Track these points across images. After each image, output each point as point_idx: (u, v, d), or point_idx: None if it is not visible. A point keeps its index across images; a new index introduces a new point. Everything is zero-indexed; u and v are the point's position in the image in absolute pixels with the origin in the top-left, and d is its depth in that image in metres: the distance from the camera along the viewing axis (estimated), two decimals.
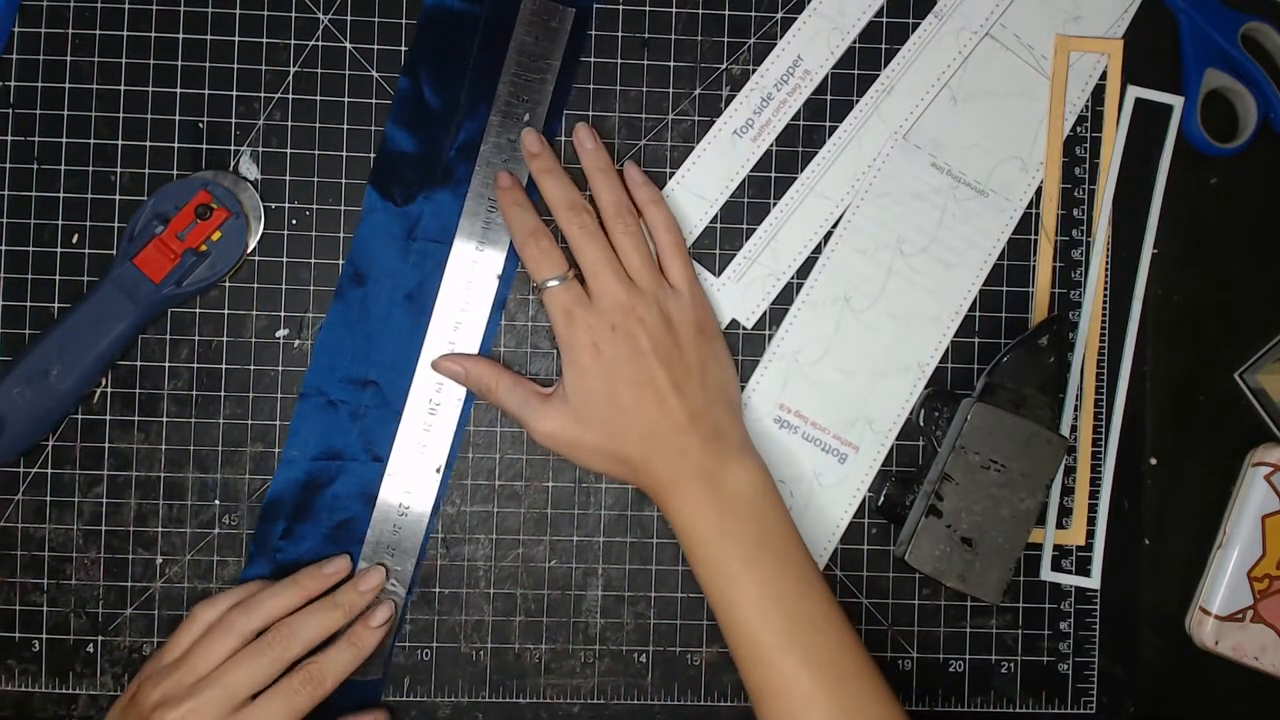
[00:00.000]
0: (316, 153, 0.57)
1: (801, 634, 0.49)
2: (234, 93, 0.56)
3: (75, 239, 0.56)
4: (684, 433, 0.52)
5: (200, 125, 0.56)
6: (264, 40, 0.56)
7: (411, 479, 0.56)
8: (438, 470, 0.56)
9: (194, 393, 0.56)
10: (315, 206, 0.57)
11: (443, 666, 0.57)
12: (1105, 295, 0.58)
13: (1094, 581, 0.58)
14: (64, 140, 0.56)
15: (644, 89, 0.57)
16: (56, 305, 0.56)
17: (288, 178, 0.56)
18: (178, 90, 0.56)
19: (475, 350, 0.56)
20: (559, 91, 0.56)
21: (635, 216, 0.55)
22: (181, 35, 0.56)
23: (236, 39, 0.56)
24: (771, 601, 0.50)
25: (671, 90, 0.58)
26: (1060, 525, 0.58)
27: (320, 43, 0.57)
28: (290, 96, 0.56)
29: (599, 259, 0.53)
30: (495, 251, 0.56)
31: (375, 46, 0.57)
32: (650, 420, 0.52)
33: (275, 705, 0.50)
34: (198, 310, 0.56)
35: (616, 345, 0.52)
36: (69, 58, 0.56)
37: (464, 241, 0.56)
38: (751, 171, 0.58)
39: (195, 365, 0.56)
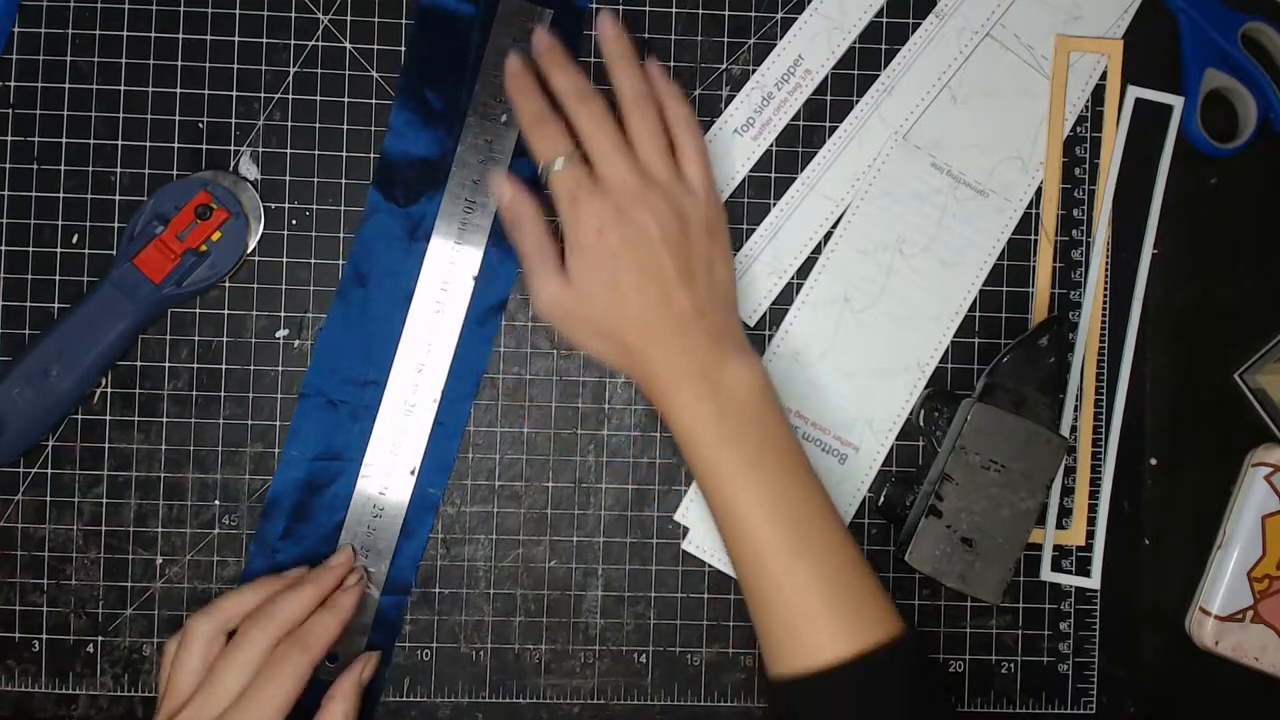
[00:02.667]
0: (316, 153, 0.57)
1: (805, 533, 0.48)
2: (234, 93, 0.56)
3: (75, 239, 0.56)
4: (686, 328, 0.50)
5: (200, 125, 0.56)
6: (264, 40, 0.56)
7: (386, 480, 0.56)
8: (412, 472, 0.56)
9: (194, 393, 0.56)
10: (315, 206, 0.57)
11: (443, 666, 0.57)
12: (1105, 295, 0.58)
13: (1094, 581, 0.58)
14: (64, 140, 0.56)
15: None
16: (56, 305, 0.56)
17: (288, 178, 0.56)
18: (178, 90, 0.56)
19: (451, 349, 0.56)
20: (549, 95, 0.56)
21: (655, 107, 0.53)
22: (181, 35, 0.56)
23: (236, 39, 0.56)
24: (774, 502, 0.48)
25: None
26: (1060, 525, 0.58)
27: (320, 43, 0.57)
28: (290, 96, 0.56)
29: (608, 143, 0.51)
30: (472, 250, 0.56)
31: (375, 46, 0.57)
32: (652, 310, 0.50)
33: (267, 679, 0.49)
34: (198, 310, 0.56)
35: (622, 230, 0.50)
36: (69, 58, 0.56)
37: (440, 240, 0.56)
38: (752, 171, 0.58)
39: (195, 365, 0.56)
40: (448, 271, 0.56)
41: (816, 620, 0.47)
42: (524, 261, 0.52)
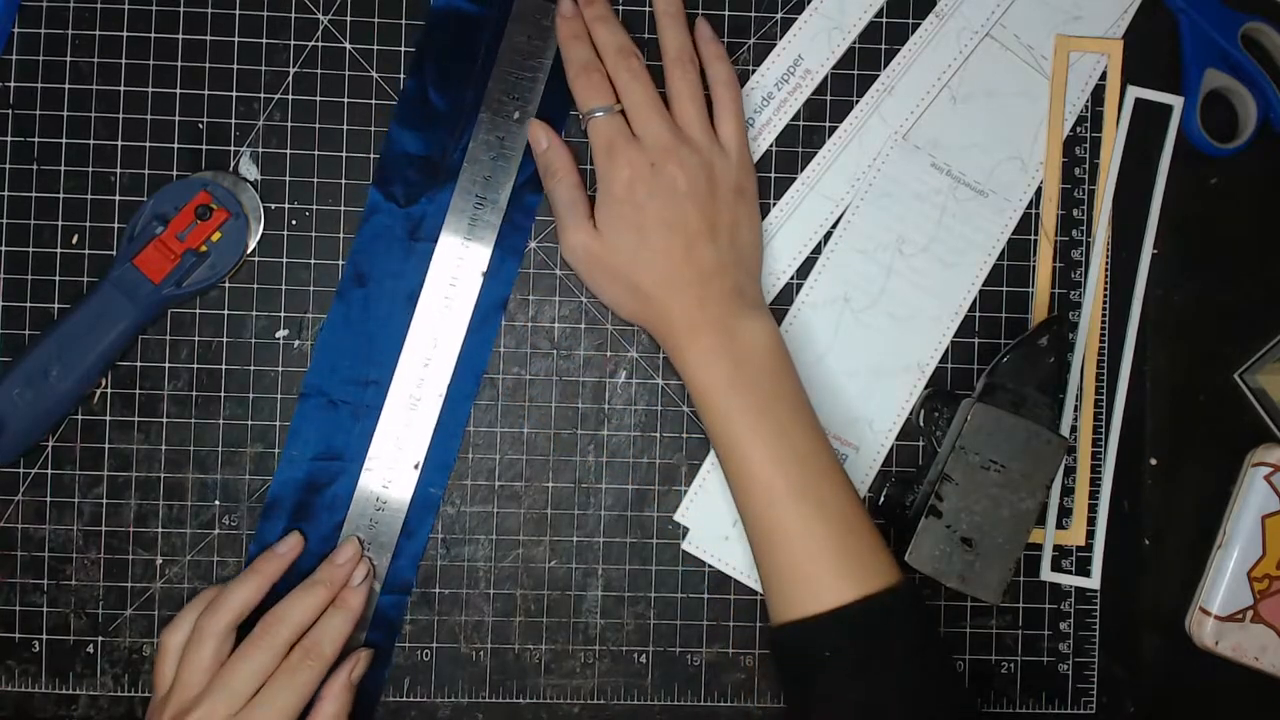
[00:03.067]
0: (316, 153, 0.57)
1: (813, 482, 0.50)
2: (234, 93, 0.56)
3: (75, 239, 0.56)
4: (705, 282, 0.52)
5: (200, 125, 0.56)
6: (264, 40, 0.56)
7: (389, 474, 0.56)
8: (415, 466, 0.56)
9: (194, 393, 0.56)
10: (315, 207, 0.57)
11: (443, 666, 0.57)
12: (1105, 295, 0.58)
13: (1094, 581, 0.58)
14: (64, 140, 0.56)
15: None
16: (56, 305, 0.56)
17: (288, 178, 0.56)
18: (178, 90, 0.56)
19: (458, 346, 0.56)
20: (562, 94, 0.56)
21: (697, 66, 0.54)
22: (181, 35, 0.56)
23: (236, 39, 0.56)
24: (785, 450, 0.50)
25: None
26: (1060, 525, 0.58)
27: (320, 43, 0.57)
28: (290, 97, 0.56)
29: (646, 100, 0.53)
30: (481, 247, 0.56)
31: (375, 47, 0.57)
32: (674, 263, 0.52)
33: (280, 687, 0.49)
34: (198, 310, 0.56)
35: (653, 183, 0.52)
36: (69, 58, 0.56)
37: (450, 236, 0.56)
38: None
39: (195, 366, 0.56)
40: (456, 267, 0.56)
41: (822, 567, 0.49)
42: (555, 209, 0.54)
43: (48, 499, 0.56)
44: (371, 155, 0.57)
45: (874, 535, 0.50)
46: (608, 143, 0.53)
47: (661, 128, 0.52)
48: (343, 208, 0.57)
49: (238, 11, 0.56)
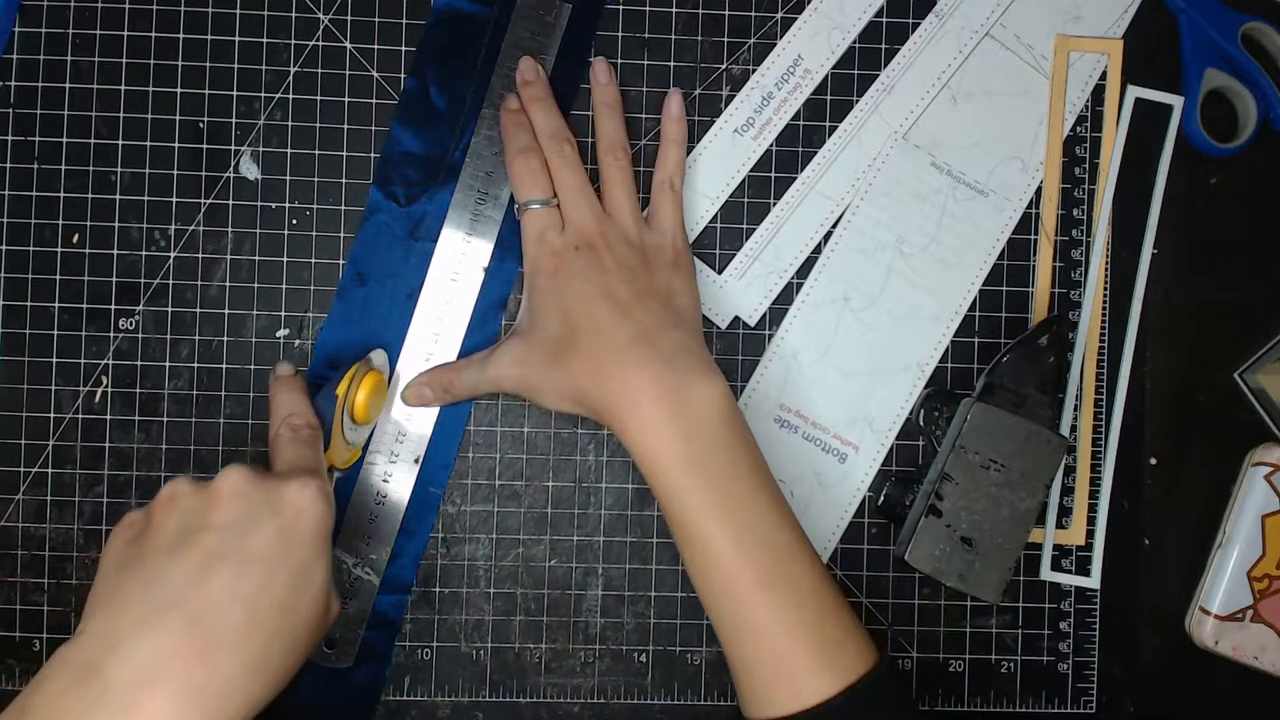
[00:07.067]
0: (317, 153, 0.57)
1: (782, 568, 0.47)
2: (234, 93, 0.56)
3: (75, 239, 0.56)
4: (639, 345, 0.49)
5: (201, 125, 0.56)
6: (264, 40, 0.56)
7: (390, 468, 0.56)
8: (416, 460, 0.56)
9: (194, 392, 0.56)
10: (315, 206, 0.57)
11: (443, 666, 0.57)
12: (1105, 295, 0.58)
13: (1094, 581, 0.58)
14: (64, 140, 0.56)
15: (644, 89, 0.57)
16: (56, 305, 0.56)
17: (288, 177, 0.57)
18: (178, 90, 0.56)
19: (459, 343, 0.56)
20: (565, 88, 0.56)
21: (629, 155, 0.55)
22: (181, 35, 0.56)
23: (236, 39, 0.56)
24: (749, 535, 0.47)
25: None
26: (1060, 525, 0.58)
27: (320, 43, 0.57)
28: (290, 96, 0.56)
29: (575, 187, 0.53)
30: (483, 243, 0.56)
31: (375, 46, 0.57)
32: (601, 333, 0.49)
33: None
34: (198, 310, 0.56)
35: (575, 263, 0.51)
36: (69, 58, 0.56)
37: (452, 231, 0.56)
38: (752, 171, 0.58)
39: (196, 365, 0.56)
40: (458, 262, 0.56)
41: (800, 663, 0.46)
42: (478, 387, 0.54)
43: (48, 498, 0.56)
44: (372, 155, 0.57)
45: (846, 612, 0.48)
46: (539, 233, 0.53)
47: (589, 213, 0.52)
48: (343, 207, 0.57)
49: (238, 11, 0.56)
